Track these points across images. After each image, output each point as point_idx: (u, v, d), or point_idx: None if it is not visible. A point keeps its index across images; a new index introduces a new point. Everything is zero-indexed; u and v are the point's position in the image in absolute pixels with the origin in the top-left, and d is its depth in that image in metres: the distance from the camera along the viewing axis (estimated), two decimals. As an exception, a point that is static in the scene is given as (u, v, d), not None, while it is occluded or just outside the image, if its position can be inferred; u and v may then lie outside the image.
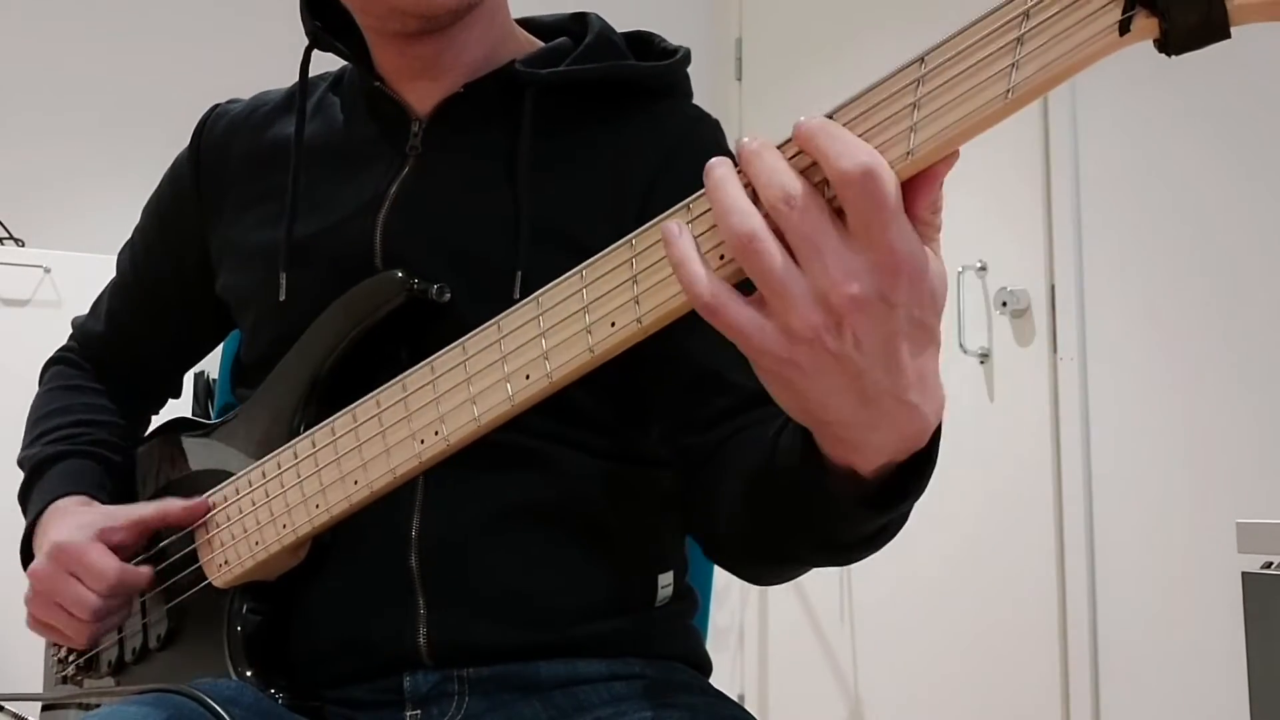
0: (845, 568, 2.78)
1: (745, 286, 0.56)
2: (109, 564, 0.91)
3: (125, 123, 2.89)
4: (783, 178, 0.54)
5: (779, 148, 0.56)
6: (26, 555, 0.99)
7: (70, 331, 1.17)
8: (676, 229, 0.57)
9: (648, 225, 0.64)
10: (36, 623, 0.96)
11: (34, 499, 1.02)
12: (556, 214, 0.89)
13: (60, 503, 0.98)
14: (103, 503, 0.99)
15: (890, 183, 0.52)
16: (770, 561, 0.81)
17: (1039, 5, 0.50)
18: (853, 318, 0.53)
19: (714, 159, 0.57)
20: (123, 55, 2.94)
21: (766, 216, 0.54)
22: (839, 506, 0.64)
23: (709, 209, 0.58)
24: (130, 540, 0.94)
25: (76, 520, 0.95)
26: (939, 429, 0.61)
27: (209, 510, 0.91)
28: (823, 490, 0.64)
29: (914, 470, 0.62)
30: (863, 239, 0.52)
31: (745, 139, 0.56)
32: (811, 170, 0.55)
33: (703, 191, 0.58)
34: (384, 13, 0.91)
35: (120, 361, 1.12)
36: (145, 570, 0.93)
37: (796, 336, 0.54)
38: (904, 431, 0.58)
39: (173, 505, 0.93)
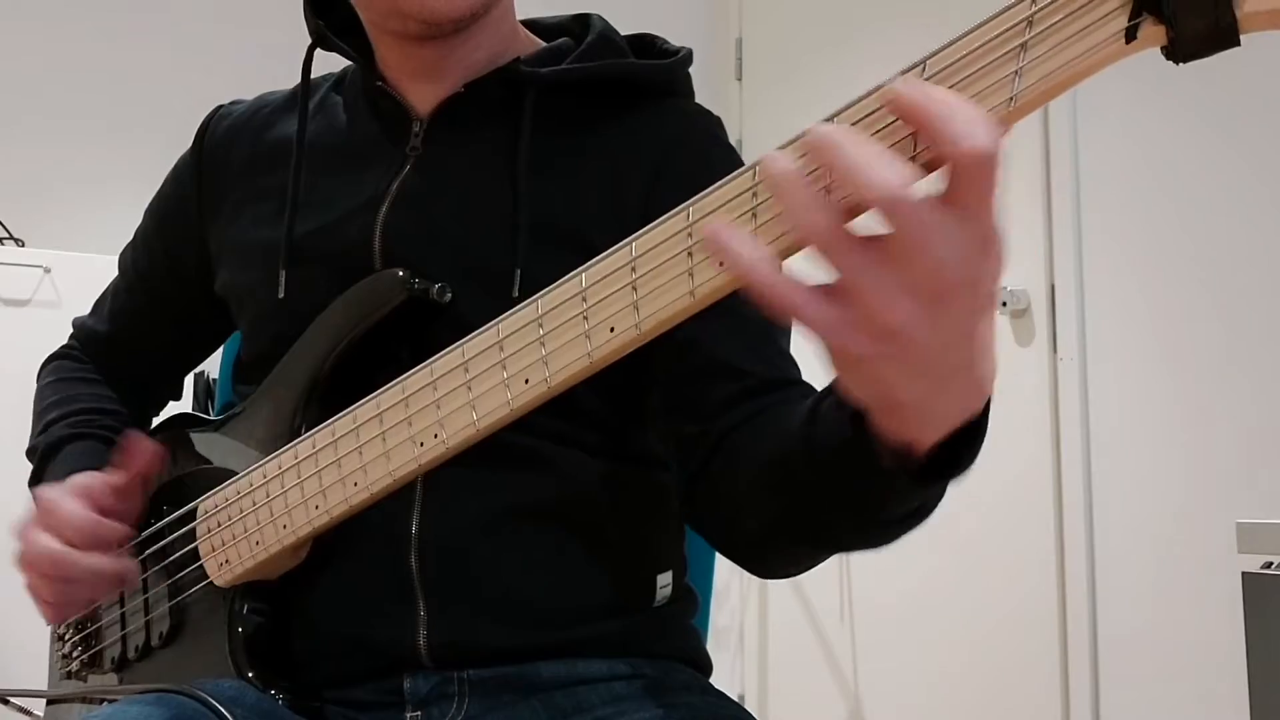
0: (845, 568, 2.79)
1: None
2: (78, 512, 0.89)
3: (125, 123, 2.88)
4: (894, 167, 0.48)
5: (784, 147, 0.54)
6: None
7: (71, 331, 1.17)
8: (726, 230, 0.52)
9: (646, 229, 0.63)
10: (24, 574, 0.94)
11: (47, 480, 0.99)
12: (557, 213, 0.89)
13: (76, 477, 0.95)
14: None
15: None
16: (799, 545, 0.77)
17: (1043, 12, 0.49)
18: (948, 303, 0.50)
19: (771, 154, 0.52)
20: (123, 56, 2.93)
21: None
22: (891, 482, 0.61)
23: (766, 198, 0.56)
24: (109, 502, 0.92)
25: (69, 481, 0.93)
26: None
27: (151, 449, 0.92)
28: (874, 467, 0.61)
29: (967, 438, 0.59)
30: (971, 222, 0.49)
31: (818, 126, 0.51)
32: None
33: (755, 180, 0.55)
34: (386, 10, 0.91)
35: (122, 360, 1.12)
36: (121, 527, 0.91)
37: (885, 332, 0.50)
38: (968, 402, 0.57)
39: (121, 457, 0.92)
